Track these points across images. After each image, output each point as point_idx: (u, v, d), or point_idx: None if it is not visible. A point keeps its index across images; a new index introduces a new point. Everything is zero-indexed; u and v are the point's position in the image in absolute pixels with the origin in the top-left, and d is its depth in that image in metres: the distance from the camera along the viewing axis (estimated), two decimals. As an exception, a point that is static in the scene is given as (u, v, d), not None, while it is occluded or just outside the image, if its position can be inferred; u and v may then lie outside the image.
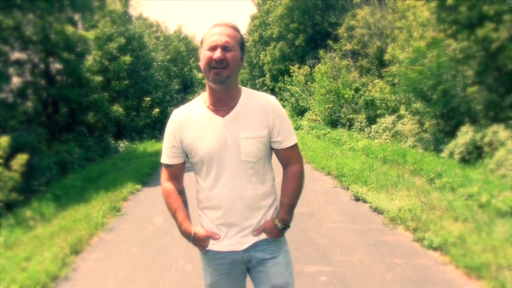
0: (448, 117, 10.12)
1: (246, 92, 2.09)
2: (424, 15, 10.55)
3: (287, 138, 2.10)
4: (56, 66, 14.29)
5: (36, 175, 9.94)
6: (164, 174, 2.20)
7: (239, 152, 1.99)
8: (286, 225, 2.13)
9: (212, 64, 1.92)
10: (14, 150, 8.42)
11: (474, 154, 8.62)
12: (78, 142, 14.40)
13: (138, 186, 9.23)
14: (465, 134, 8.89)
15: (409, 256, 4.45)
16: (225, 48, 1.93)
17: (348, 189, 7.46)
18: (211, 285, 2.18)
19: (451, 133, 9.65)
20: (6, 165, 7.68)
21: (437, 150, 9.65)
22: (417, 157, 9.08)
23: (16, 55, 12.73)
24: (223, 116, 2.02)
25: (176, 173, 2.18)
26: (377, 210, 6.09)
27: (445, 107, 9.94)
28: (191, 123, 2.06)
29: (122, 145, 18.77)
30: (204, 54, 1.96)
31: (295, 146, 2.15)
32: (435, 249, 4.54)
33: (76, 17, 16.03)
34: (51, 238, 5.84)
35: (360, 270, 4.18)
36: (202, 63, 1.98)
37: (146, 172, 11.24)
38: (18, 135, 9.54)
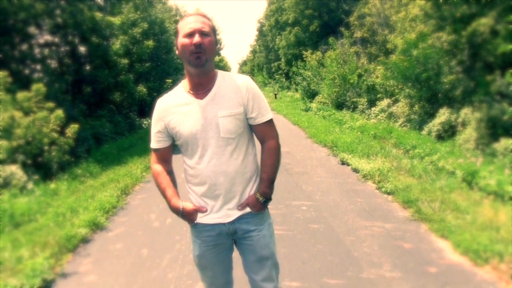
0: (433, 101, 11.65)
1: (222, 75, 2.21)
2: (414, 11, 12.05)
3: (261, 114, 2.20)
4: (86, 49, 15.90)
5: (78, 144, 11.74)
6: (153, 157, 2.35)
7: (218, 130, 2.11)
8: (267, 198, 2.25)
9: (192, 50, 2.03)
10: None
11: (449, 132, 10.17)
12: (108, 118, 16.17)
13: (166, 154, 10.99)
14: (442, 115, 10.45)
15: (369, 197, 6.16)
16: (202, 33, 2.04)
17: (337, 156, 9.12)
18: (199, 256, 2.33)
19: (433, 115, 11.20)
20: (62, 133, 9.45)
21: (421, 129, 11.22)
22: (401, 133, 10.68)
23: (49, 38, 14.29)
24: (201, 98, 2.14)
25: (164, 155, 2.32)
26: (356, 171, 7.78)
27: (430, 92, 11.48)
28: (173, 109, 2.17)
29: (146, 122, 20.44)
30: (182, 41, 2.06)
31: (270, 122, 2.25)
32: (388, 193, 6.22)
33: (104, 3, 17.79)
34: (103, 186, 7.62)
35: (331, 204, 5.90)
36: (180, 51, 2.09)
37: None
38: (66, 109, 11.30)
